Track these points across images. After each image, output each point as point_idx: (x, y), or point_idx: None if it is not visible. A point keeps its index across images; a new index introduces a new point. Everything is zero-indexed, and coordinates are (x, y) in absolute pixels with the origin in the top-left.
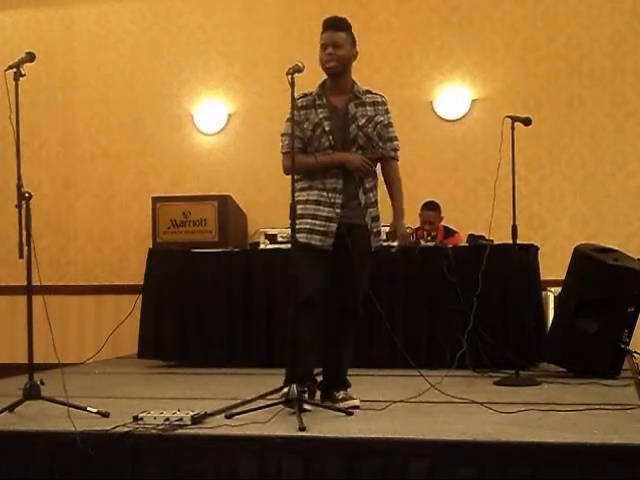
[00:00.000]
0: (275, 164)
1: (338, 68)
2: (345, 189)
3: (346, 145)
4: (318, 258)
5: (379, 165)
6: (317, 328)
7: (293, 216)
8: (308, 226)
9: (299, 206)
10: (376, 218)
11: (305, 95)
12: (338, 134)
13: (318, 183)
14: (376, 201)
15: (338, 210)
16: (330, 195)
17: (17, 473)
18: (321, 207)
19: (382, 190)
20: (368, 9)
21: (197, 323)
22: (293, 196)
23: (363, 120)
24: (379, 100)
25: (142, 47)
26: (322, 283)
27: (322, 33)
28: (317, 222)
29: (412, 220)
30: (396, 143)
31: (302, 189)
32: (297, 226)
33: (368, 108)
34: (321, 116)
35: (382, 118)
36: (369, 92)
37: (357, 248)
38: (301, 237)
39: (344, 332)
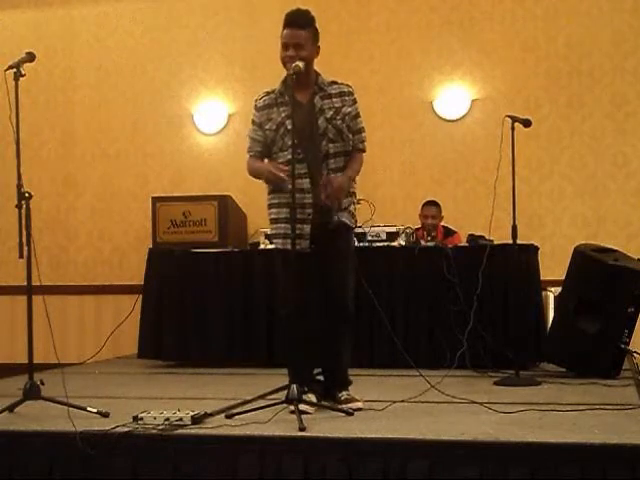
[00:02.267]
0: None
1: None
2: (314, 188)
3: (315, 140)
4: (299, 261)
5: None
6: (311, 331)
7: (293, 220)
8: (282, 231)
9: (273, 210)
10: (346, 203)
11: (268, 93)
12: (304, 131)
13: (288, 185)
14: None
15: (309, 210)
16: (299, 196)
17: (17, 473)
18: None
19: (383, 192)
20: (368, 9)
21: (197, 323)
22: (293, 200)
23: (331, 112)
24: (345, 90)
25: (142, 47)
26: (310, 284)
27: (283, 29)
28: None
29: (412, 220)
30: (364, 135)
31: (274, 191)
32: (273, 231)
33: (334, 100)
34: (284, 114)
35: (350, 109)
36: (335, 82)
37: (331, 248)
38: (277, 243)
39: (338, 331)
